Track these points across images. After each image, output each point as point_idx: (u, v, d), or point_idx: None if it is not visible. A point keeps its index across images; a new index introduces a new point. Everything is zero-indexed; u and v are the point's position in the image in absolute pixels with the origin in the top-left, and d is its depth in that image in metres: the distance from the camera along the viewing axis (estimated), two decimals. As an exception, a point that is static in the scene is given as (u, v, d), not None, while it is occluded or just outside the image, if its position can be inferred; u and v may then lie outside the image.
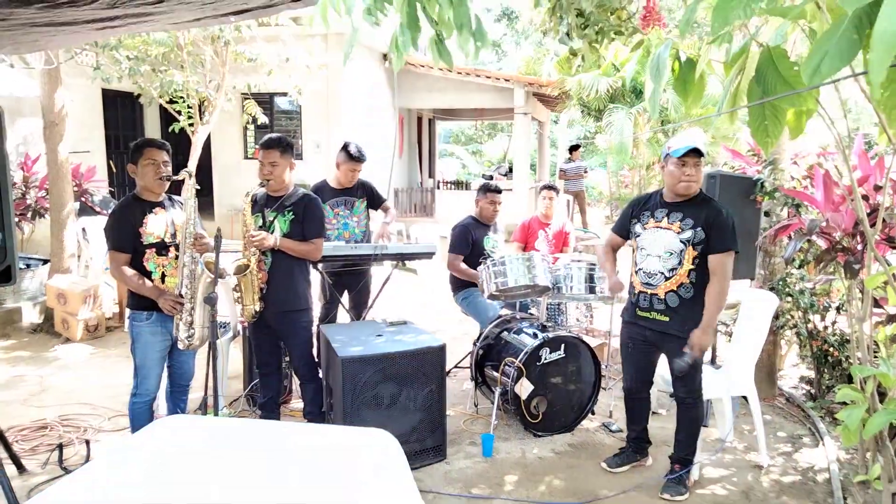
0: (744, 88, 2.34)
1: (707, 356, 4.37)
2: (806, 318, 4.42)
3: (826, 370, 4.43)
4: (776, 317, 4.33)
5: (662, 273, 3.25)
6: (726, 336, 4.76)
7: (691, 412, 3.38)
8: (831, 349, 4.32)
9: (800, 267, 4.38)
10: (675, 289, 3.22)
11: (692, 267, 3.18)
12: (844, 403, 3.03)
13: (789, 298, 4.33)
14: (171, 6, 2.90)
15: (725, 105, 2.43)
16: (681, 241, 3.20)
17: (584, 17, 3.28)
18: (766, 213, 4.37)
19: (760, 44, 2.16)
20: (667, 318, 3.26)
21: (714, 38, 2.14)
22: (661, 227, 3.28)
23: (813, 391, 4.59)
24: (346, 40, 2.00)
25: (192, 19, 3.87)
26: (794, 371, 5.24)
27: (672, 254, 3.22)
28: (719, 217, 3.15)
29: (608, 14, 3.36)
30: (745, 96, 2.31)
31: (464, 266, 4.67)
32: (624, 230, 3.50)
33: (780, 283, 4.35)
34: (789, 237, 3.99)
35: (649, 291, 3.30)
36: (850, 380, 4.20)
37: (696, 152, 3.12)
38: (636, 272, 3.39)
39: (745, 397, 3.87)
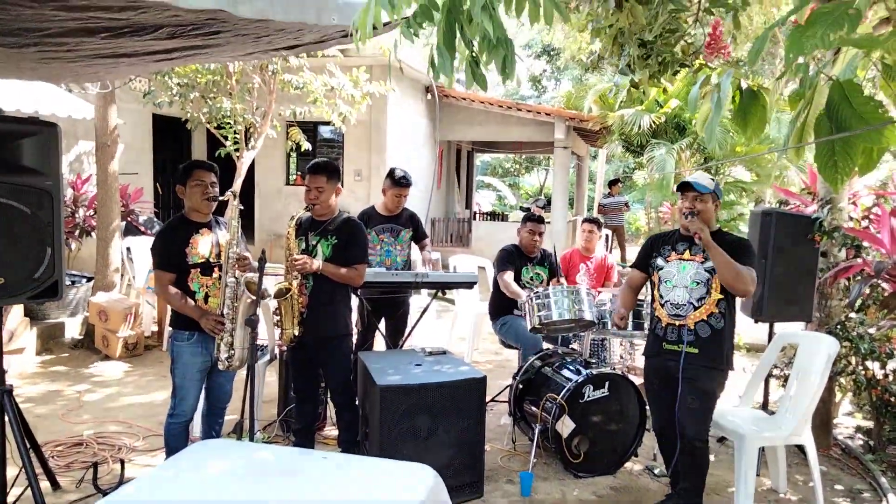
0: (811, 123, 2.25)
1: (758, 401, 4.19)
2: (864, 365, 4.21)
3: (887, 421, 4.19)
4: (833, 362, 4.12)
5: (691, 303, 3.22)
6: (779, 380, 4.56)
7: (698, 458, 3.22)
8: (893, 399, 4.09)
9: (859, 311, 4.18)
10: (705, 318, 3.18)
11: (721, 296, 3.17)
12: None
13: (847, 343, 4.13)
14: (226, 38, 2.94)
15: (792, 140, 2.34)
16: (706, 271, 3.21)
17: (646, 47, 3.23)
18: (824, 254, 4.20)
19: (830, 77, 2.07)
20: (696, 350, 3.20)
21: (786, 69, 2.05)
22: (683, 259, 3.30)
23: (871, 443, 4.34)
24: (390, 55, 1.98)
25: (245, 53, 3.94)
26: (848, 420, 4.98)
27: (699, 283, 3.22)
28: (737, 243, 3.22)
29: (672, 45, 3.30)
30: (813, 131, 2.22)
31: (510, 281, 4.59)
32: (644, 265, 3.51)
33: (838, 326, 4.15)
34: (849, 279, 3.82)
35: (678, 323, 3.24)
36: (913, 433, 3.97)
37: (687, 186, 3.23)
38: (662, 305, 3.33)
39: (799, 447, 3.67)
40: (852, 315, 4.16)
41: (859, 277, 3.68)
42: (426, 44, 1.86)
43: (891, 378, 4.13)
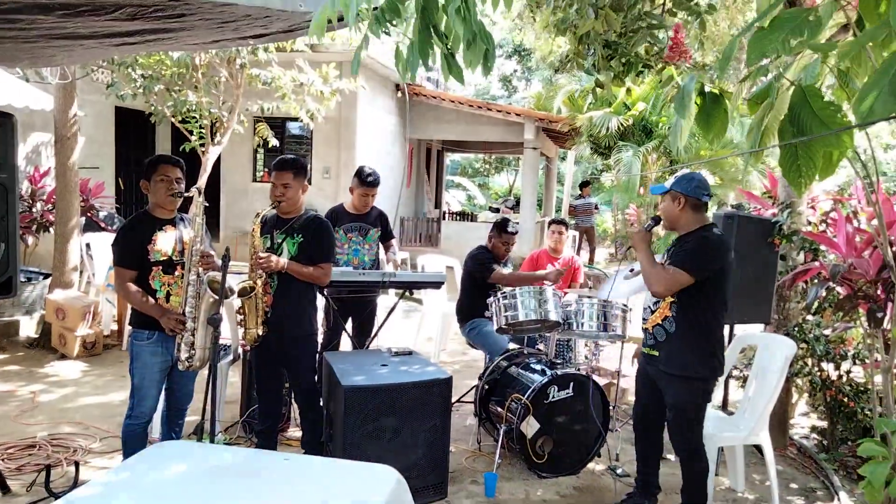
0: (772, 127, 2.29)
1: (717, 401, 4.26)
2: (819, 367, 4.31)
3: (840, 421, 4.30)
4: (791, 364, 4.22)
5: (650, 307, 3.29)
6: (738, 381, 4.64)
7: (687, 468, 3.26)
8: (846, 399, 4.20)
9: (815, 313, 4.29)
10: (660, 322, 3.21)
11: (673, 300, 3.15)
12: (863, 457, 2.91)
13: (804, 345, 4.22)
14: (191, 22, 2.87)
15: (753, 145, 2.38)
16: None
17: (611, 48, 3.25)
18: (783, 257, 4.29)
19: (792, 82, 2.11)
20: (656, 353, 3.24)
21: (749, 72, 2.08)
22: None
23: (826, 442, 4.45)
24: (354, 53, 1.94)
25: (211, 40, 3.85)
26: (804, 420, 5.10)
27: None
28: (686, 241, 3.16)
29: (636, 47, 3.33)
30: (774, 135, 2.26)
31: (519, 273, 4.63)
32: None
33: (796, 328, 4.25)
34: (806, 282, 3.91)
35: (645, 326, 3.33)
36: (865, 432, 4.08)
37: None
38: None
39: (756, 446, 3.75)
40: (809, 317, 4.26)
41: (816, 280, 3.77)
42: (396, 41, 1.84)
43: (844, 379, 4.24)
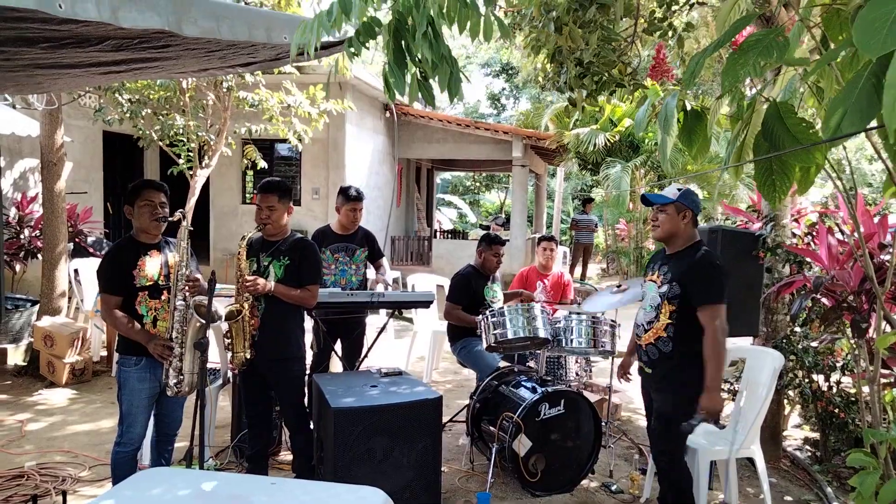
0: (749, 143, 2.33)
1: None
2: (810, 378, 4.33)
3: (832, 432, 4.31)
4: (780, 376, 4.23)
5: (643, 325, 3.25)
6: (729, 395, 4.65)
7: (666, 476, 3.24)
8: (837, 410, 4.21)
9: (803, 325, 4.31)
10: (653, 341, 3.18)
11: (669, 321, 3.10)
12: (854, 468, 2.92)
13: (793, 357, 4.24)
14: (177, 52, 2.89)
15: (731, 160, 2.41)
16: (659, 295, 3.17)
17: (583, 67, 3.29)
18: (769, 270, 4.33)
19: (767, 98, 2.15)
20: (650, 371, 3.24)
21: (723, 92, 2.12)
22: (651, 280, 3.28)
23: (818, 454, 4.46)
24: (329, 73, 1.97)
25: (198, 69, 3.88)
26: (796, 432, 5.11)
27: (652, 307, 3.20)
28: (695, 270, 3.04)
29: (609, 66, 3.37)
30: (751, 151, 2.30)
31: (462, 313, 4.60)
32: None
33: (784, 341, 4.27)
34: (793, 294, 3.94)
35: (639, 342, 3.31)
36: (857, 443, 4.09)
37: (645, 199, 3.21)
38: None
39: (749, 459, 3.74)
40: (797, 329, 4.28)
41: (802, 292, 3.80)
42: (384, 62, 1.87)
43: (834, 390, 4.26)
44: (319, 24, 1.68)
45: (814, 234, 4.40)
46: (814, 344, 4.21)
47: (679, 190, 3.15)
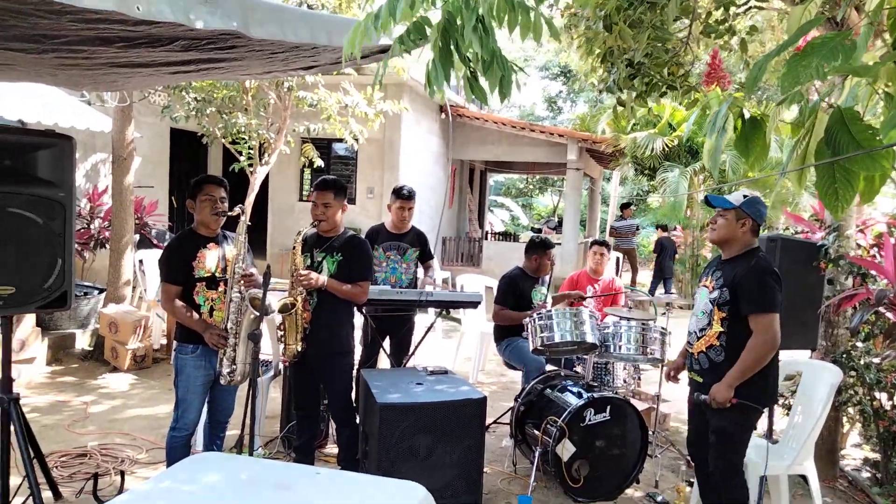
0: (811, 150, 2.25)
1: (762, 428, 4.13)
2: (871, 396, 4.15)
3: (894, 453, 4.12)
4: (839, 392, 4.07)
5: (695, 332, 3.20)
6: (783, 409, 4.50)
7: (724, 488, 3.13)
8: (900, 431, 4.03)
9: (865, 340, 4.14)
10: (704, 349, 3.13)
11: (722, 329, 3.04)
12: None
13: (853, 373, 4.08)
14: (241, 53, 3.00)
15: (793, 167, 2.34)
16: (709, 301, 3.11)
17: (634, 67, 3.23)
18: (830, 282, 4.17)
19: (831, 104, 2.08)
20: (700, 379, 3.16)
21: (784, 97, 2.06)
22: (704, 286, 3.22)
23: (879, 475, 4.27)
24: (378, 67, 2.01)
25: (262, 71, 4.01)
26: (856, 452, 4.90)
27: (704, 314, 3.15)
28: (746, 276, 2.98)
29: (661, 68, 3.31)
30: (814, 159, 2.23)
31: (510, 311, 4.62)
32: None
33: (844, 356, 4.10)
34: (854, 307, 3.79)
35: (690, 350, 3.26)
36: (921, 466, 3.90)
37: (707, 201, 3.22)
38: None
39: (803, 477, 3.62)
40: (858, 344, 4.11)
41: (864, 306, 3.65)
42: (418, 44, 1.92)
43: (898, 410, 4.07)
44: (365, 28, 1.73)
45: (880, 245, 4.22)
46: (876, 360, 4.03)
47: (745, 196, 3.08)
